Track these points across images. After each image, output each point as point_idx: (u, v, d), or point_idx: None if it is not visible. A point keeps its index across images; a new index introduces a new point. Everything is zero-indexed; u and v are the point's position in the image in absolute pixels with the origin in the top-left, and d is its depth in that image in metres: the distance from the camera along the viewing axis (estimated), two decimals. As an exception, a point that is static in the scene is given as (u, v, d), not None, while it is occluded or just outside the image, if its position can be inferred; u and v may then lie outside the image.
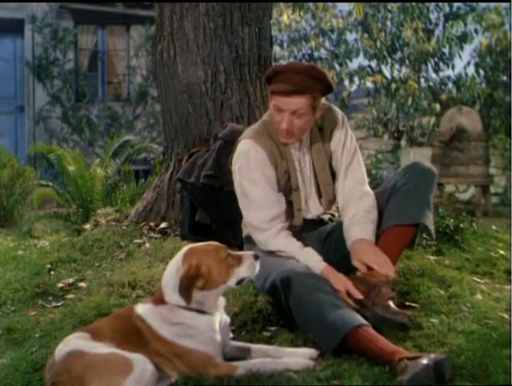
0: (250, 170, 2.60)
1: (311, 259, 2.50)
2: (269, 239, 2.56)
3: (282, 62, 11.72)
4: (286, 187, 2.64)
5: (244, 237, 2.81)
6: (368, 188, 2.66)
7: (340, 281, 2.40)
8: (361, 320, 2.22)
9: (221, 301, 2.20)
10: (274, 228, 2.56)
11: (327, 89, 2.56)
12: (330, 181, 2.69)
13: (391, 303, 2.39)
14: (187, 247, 2.19)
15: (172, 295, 2.09)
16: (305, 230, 2.67)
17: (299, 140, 2.64)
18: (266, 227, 2.56)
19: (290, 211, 2.65)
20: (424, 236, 3.48)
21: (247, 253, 2.21)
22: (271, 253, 2.56)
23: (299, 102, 2.49)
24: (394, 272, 2.45)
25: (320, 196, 2.69)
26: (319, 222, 2.73)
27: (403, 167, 2.71)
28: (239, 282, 2.17)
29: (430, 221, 2.53)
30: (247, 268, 2.15)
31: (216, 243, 2.20)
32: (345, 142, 2.68)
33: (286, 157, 2.64)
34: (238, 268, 2.14)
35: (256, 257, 2.17)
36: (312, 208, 2.70)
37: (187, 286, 2.06)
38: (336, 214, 2.78)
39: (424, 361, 1.96)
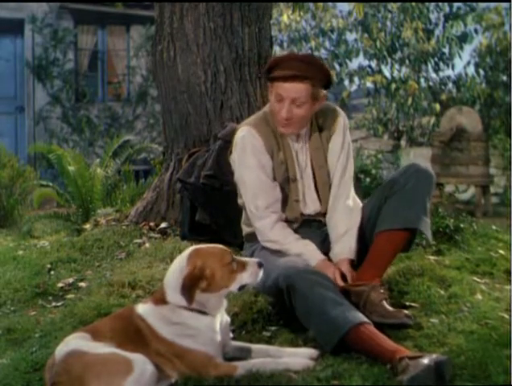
0: (246, 155, 2.61)
1: (307, 250, 2.54)
2: (266, 228, 2.59)
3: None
4: (284, 178, 2.64)
5: (244, 236, 2.81)
6: (351, 201, 2.68)
7: (330, 271, 2.48)
8: (363, 318, 2.22)
9: (224, 302, 2.20)
10: (270, 218, 2.58)
11: (326, 81, 2.58)
12: (327, 180, 2.70)
13: (385, 304, 2.40)
14: (192, 248, 2.19)
15: (174, 295, 2.09)
16: (305, 229, 2.67)
17: (296, 133, 2.64)
18: (263, 215, 2.59)
19: (287, 202, 2.65)
20: (424, 236, 3.48)
21: (251, 260, 2.22)
22: (273, 252, 2.56)
23: (299, 89, 2.51)
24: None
25: (317, 192, 2.70)
26: (318, 223, 2.73)
27: (402, 168, 2.71)
28: (241, 288, 2.17)
29: (426, 225, 2.53)
30: (250, 274, 2.16)
31: (221, 246, 2.20)
32: (343, 149, 2.69)
33: (284, 148, 2.65)
34: (241, 273, 2.15)
35: (260, 265, 2.18)
36: (310, 203, 2.69)
37: (190, 287, 2.06)
38: None
39: (425, 361, 1.97)
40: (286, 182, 2.65)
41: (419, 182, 2.54)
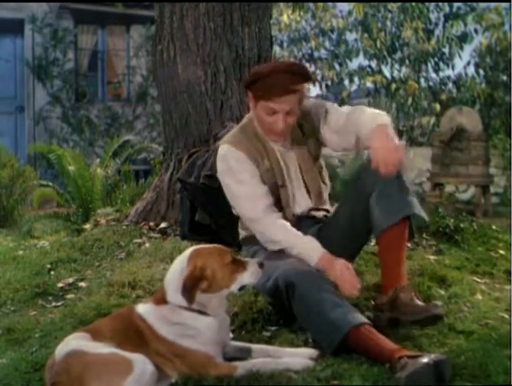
0: (233, 171, 2.61)
1: (310, 245, 2.49)
2: (268, 226, 2.55)
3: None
4: (273, 185, 2.64)
5: (241, 240, 2.80)
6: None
7: (337, 270, 2.39)
8: (362, 319, 2.22)
9: (224, 303, 2.20)
10: (271, 216, 2.56)
11: (306, 78, 2.59)
12: (316, 175, 2.70)
13: (416, 301, 2.37)
14: (192, 248, 2.19)
15: (175, 295, 2.09)
16: (298, 228, 2.64)
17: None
18: (262, 216, 2.56)
19: (279, 208, 2.64)
20: (424, 236, 3.48)
21: (252, 260, 2.22)
22: (274, 253, 2.55)
23: (292, 101, 2.51)
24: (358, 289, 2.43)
25: (307, 190, 2.70)
26: (311, 219, 2.71)
27: (359, 167, 2.63)
28: (241, 288, 2.17)
29: (416, 207, 2.46)
30: (250, 274, 2.15)
31: (221, 246, 2.19)
32: (336, 111, 2.66)
33: (268, 155, 2.64)
34: (242, 274, 2.14)
35: (260, 265, 2.17)
36: (301, 202, 2.68)
37: (190, 287, 2.06)
38: (331, 210, 2.76)
39: (424, 360, 1.97)
40: (275, 189, 2.64)
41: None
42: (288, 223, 2.59)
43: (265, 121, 2.58)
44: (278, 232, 2.55)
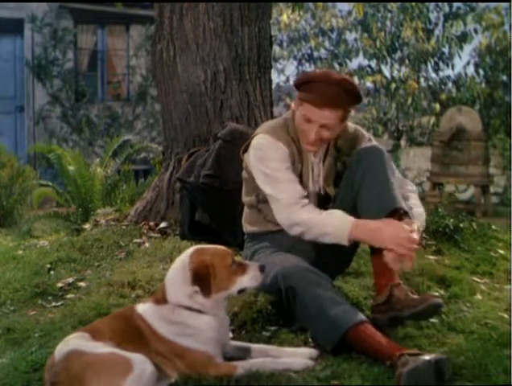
0: (272, 158, 2.52)
1: (339, 218, 2.39)
2: (295, 210, 2.45)
3: (283, 62, 11.75)
4: None
5: (247, 233, 2.77)
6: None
7: (384, 232, 2.29)
8: (362, 317, 2.22)
9: (223, 304, 2.18)
10: (303, 202, 2.47)
11: (357, 101, 2.52)
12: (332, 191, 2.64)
13: (411, 295, 2.33)
14: (194, 247, 2.18)
15: (175, 294, 2.09)
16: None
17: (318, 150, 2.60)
18: (296, 202, 2.46)
19: None
20: (424, 236, 3.48)
21: (253, 264, 2.19)
22: (273, 252, 2.55)
23: (331, 116, 2.45)
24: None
25: (324, 203, 2.64)
26: None
27: (352, 161, 2.56)
28: (241, 291, 2.15)
29: (401, 200, 2.43)
30: (250, 278, 2.13)
31: (222, 247, 2.18)
32: None
33: (302, 160, 2.59)
34: (241, 277, 2.12)
35: (261, 269, 2.14)
36: None
37: (204, 278, 2.04)
38: None
39: (426, 357, 1.97)
40: None
41: (374, 166, 2.46)
42: (315, 207, 2.50)
43: (301, 126, 2.52)
44: (305, 214, 2.44)
